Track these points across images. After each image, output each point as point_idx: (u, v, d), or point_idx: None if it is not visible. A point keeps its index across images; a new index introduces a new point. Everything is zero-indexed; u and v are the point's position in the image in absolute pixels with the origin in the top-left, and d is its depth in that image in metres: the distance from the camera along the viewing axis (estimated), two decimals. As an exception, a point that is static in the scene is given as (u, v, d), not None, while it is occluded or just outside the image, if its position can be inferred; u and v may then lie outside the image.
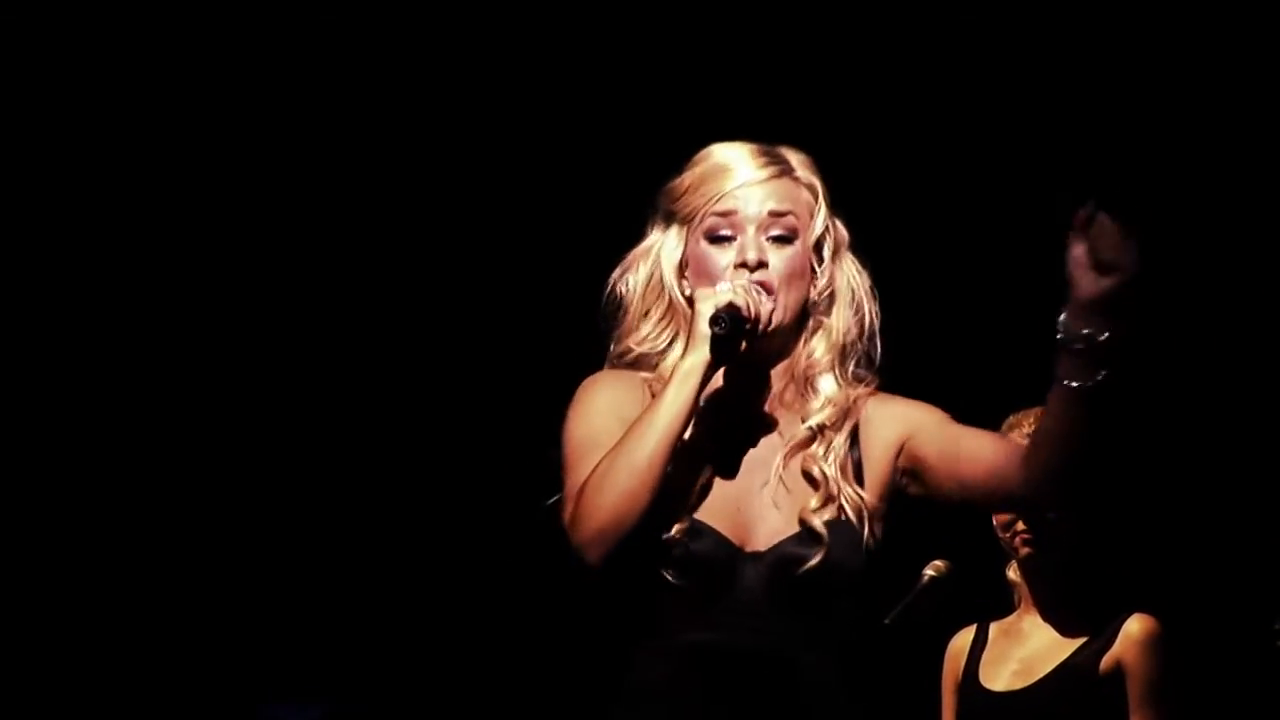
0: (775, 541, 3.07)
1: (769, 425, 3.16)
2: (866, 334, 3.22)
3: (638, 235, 3.25)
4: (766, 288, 3.11)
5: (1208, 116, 5.03)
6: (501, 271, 5.30)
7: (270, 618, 5.37)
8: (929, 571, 4.14)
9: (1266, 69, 4.98)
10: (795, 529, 3.07)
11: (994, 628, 4.33)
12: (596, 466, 3.02)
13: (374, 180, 5.31)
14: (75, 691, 5.28)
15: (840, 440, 3.14)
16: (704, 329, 3.04)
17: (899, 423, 3.15)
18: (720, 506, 3.08)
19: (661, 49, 5.16)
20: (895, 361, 3.22)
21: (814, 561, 3.02)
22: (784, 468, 3.12)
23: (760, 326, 3.08)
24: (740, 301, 3.05)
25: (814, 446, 3.13)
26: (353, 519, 5.41)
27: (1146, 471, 4.85)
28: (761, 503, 3.10)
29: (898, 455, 3.15)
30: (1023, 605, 4.31)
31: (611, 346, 3.24)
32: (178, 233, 5.33)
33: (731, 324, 3.03)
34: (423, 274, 5.35)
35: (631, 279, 3.23)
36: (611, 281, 3.25)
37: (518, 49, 5.20)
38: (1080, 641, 4.20)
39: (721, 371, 3.11)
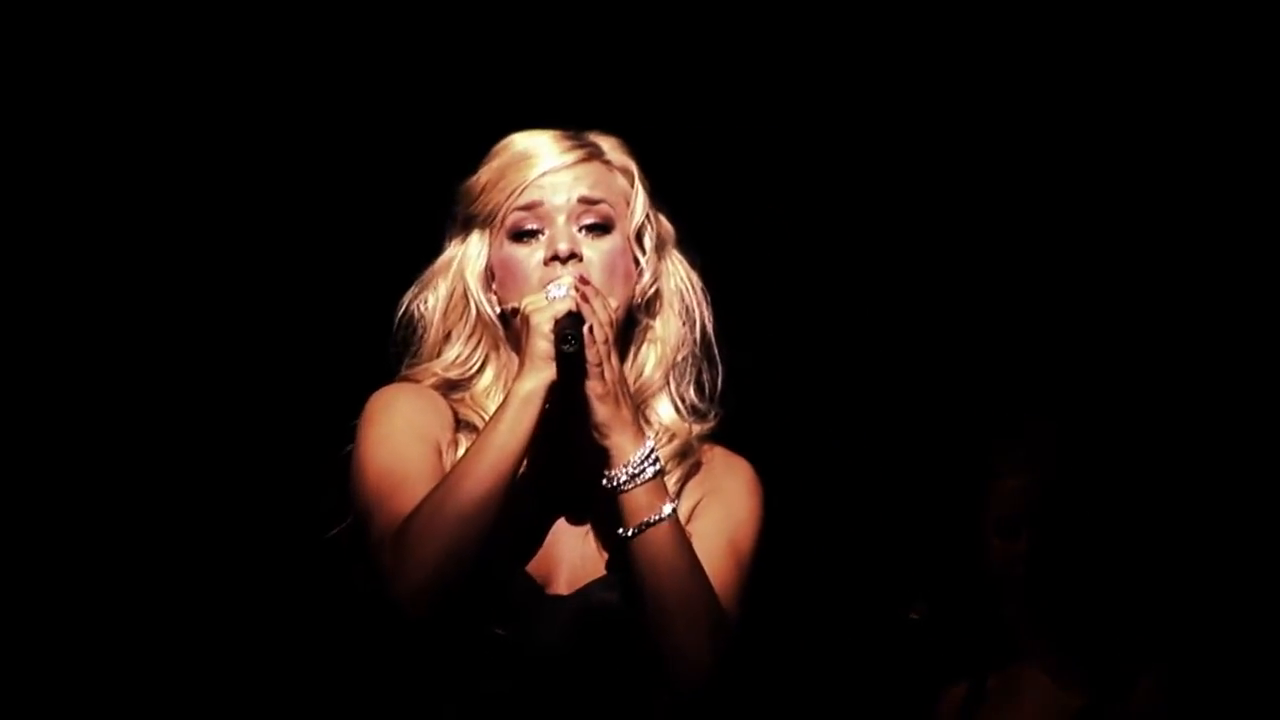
0: (579, 586, 2.81)
1: (592, 455, 2.79)
2: (701, 344, 2.92)
3: (434, 247, 2.93)
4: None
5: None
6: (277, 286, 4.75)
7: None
8: (912, 615, 4.06)
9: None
10: (603, 574, 2.81)
11: (991, 680, 4.14)
12: (420, 508, 2.70)
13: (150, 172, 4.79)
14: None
15: (671, 484, 2.82)
16: (545, 346, 2.71)
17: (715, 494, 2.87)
18: (528, 546, 2.80)
19: (457, 38, 4.69)
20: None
21: (618, 610, 2.77)
22: (604, 507, 2.80)
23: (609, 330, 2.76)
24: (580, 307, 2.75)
25: None
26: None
27: (1153, 513, 4.57)
28: (572, 544, 2.83)
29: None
30: (1022, 657, 4.10)
31: (404, 372, 2.92)
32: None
33: (579, 338, 2.71)
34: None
35: (431, 298, 2.92)
36: (405, 302, 2.95)
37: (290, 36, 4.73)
38: (1085, 693, 4.03)
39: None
